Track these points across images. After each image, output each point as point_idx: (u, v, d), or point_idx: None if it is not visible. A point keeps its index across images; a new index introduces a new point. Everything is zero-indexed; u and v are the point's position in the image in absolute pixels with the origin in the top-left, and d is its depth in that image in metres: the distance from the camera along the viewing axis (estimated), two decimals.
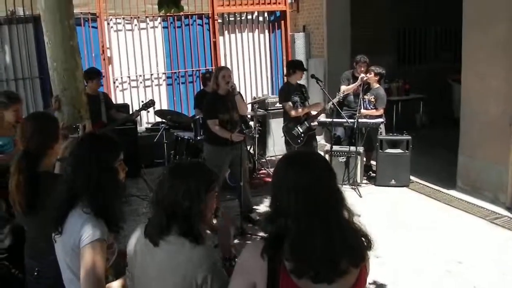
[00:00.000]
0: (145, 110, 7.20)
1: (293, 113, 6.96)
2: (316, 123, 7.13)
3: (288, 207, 1.83)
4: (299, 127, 6.98)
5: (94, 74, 6.85)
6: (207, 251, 2.17)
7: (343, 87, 7.96)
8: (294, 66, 7.08)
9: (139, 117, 8.79)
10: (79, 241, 2.31)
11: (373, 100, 7.75)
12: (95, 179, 2.36)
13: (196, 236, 2.16)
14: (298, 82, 7.10)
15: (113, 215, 2.43)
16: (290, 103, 6.98)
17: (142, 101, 7.34)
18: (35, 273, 2.80)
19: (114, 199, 2.43)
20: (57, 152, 2.92)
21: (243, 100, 6.59)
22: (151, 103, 7.10)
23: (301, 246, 1.79)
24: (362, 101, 7.68)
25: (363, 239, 1.93)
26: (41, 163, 2.80)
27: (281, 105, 7.39)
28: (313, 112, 7.14)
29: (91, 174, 2.36)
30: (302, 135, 6.95)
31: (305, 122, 6.99)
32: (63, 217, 2.40)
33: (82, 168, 2.38)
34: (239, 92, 6.54)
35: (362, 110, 7.65)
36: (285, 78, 10.74)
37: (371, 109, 7.76)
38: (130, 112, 8.14)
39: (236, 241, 5.24)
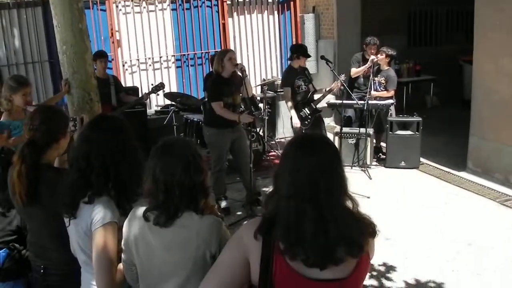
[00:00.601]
0: (155, 93, 7.20)
1: (289, 103, 7.01)
2: (325, 104, 7.09)
3: (285, 189, 1.83)
4: (306, 109, 6.97)
5: (97, 55, 6.79)
6: (214, 219, 2.20)
7: (354, 70, 7.92)
8: (299, 52, 7.00)
9: (148, 100, 8.79)
10: (91, 224, 2.34)
11: (383, 82, 7.70)
12: (108, 161, 2.39)
13: (201, 207, 2.20)
14: (301, 65, 7.02)
15: (126, 198, 2.45)
16: (289, 88, 6.96)
17: (152, 84, 7.33)
18: (41, 271, 2.80)
19: (127, 180, 2.44)
20: (62, 147, 2.90)
21: (250, 84, 6.58)
22: (161, 86, 7.09)
23: (290, 229, 1.78)
24: (372, 83, 7.63)
25: (366, 228, 1.88)
26: (45, 156, 2.78)
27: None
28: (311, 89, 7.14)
29: (104, 155, 2.39)
30: (310, 117, 6.94)
31: (312, 104, 6.98)
32: (76, 201, 2.42)
33: (94, 150, 2.39)
34: (247, 75, 6.52)
35: (373, 92, 7.61)
36: None
37: (382, 90, 7.71)
38: (140, 95, 8.14)
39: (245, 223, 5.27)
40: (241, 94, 6.19)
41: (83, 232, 2.40)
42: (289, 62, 7.38)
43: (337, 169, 1.88)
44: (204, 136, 6.38)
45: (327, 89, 7.07)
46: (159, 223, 2.16)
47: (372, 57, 7.59)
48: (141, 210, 2.25)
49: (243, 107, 6.83)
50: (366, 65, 7.66)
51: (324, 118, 7.57)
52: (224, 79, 5.97)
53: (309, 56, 7.14)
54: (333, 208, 1.80)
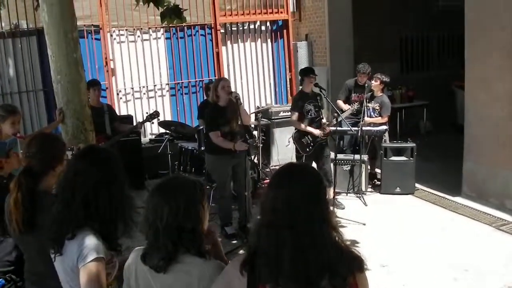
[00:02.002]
0: (150, 121, 7.21)
1: (296, 125, 6.99)
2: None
3: (266, 217, 1.84)
4: (308, 136, 6.92)
5: (90, 84, 6.77)
6: (218, 265, 2.13)
7: (341, 104, 7.98)
8: (302, 73, 7.01)
9: (143, 128, 8.79)
10: (77, 260, 2.27)
11: (377, 108, 7.73)
12: (99, 195, 2.33)
13: (203, 252, 2.13)
14: (314, 90, 6.91)
15: (114, 233, 2.40)
16: (296, 113, 6.96)
17: (147, 112, 7.35)
18: None
19: (118, 215, 2.39)
20: (59, 175, 2.90)
21: (246, 112, 6.60)
22: (155, 115, 7.10)
23: (270, 257, 1.78)
24: (366, 109, 7.66)
25: (352, 261, 1.84)
26: (42, 183, 2.77)
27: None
28: (324, 121, 7.06)
29: (95, 189, 2.33)
30: (312, 144, 6.89)
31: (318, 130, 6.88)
32: (62, 237, 2.34)
33: (79, 182, 2.34)
34: (242, 103, 6.56)
35: (366, 118, 7.62)
36: (288, 86, 10.87)
37: (376, 116, 7.74)
38: (134, 124, 8.15)
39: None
40: (239, 122, 6.21)
41: (70, 269, 2.33)
42: (288, 87, 7.40)
43: (317, 199, 1.85)
44: (206, 163, 6.45)
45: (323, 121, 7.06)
46: (158, 269, 2.10)
47: (372, 82, 7.65)
48: (140, 250, 2.21)
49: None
50: (351, 108, 7.61)
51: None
52: (220, 108, 6.03)
53: (310, 74, 6.85)
54: (314, 237, 1.78)
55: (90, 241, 2.28)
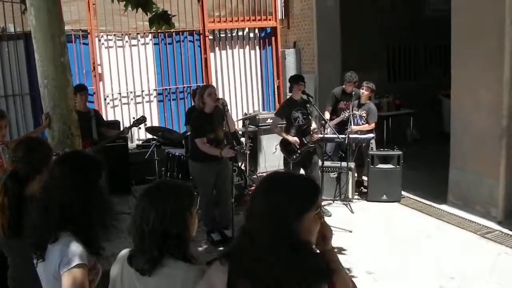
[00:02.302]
0: (137, 126, 7.17)
1: (275, 129, 7.02)
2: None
3: (244, 225, 1.92)
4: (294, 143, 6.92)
5: (77, 89, 6.74)
6: (201, 269, 2.10)
7: (328, 116, 8.03)
8: (292, 80, 7.02)
9: (130, 133, 8.76)
10: (59, 267, 2.25)
11: (364, 115, 7.77)
12: (75, 200, 2.31)
13: (189, 257, 2.12)
14: (303, 97, 6.89)
15: (94, 237, 2.38)
16: (279, 118, 6.99)
17: (134, 118, 7.32)
18: None
19: (95, 220, 2.38)
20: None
21: (232, 119, 6.60)
22: (142, 120, 7.08)
23: (243, 264, 1.83)
24: (353, 117, 7.69)
25: (310, 275, 1.83)
26: (28, 187, 2.74)
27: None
28: (313, 126, 7.06)
29: (71, 194, 2.32)
30: (298, 151, 6.90)
31: (303, 139, 6.87)
32: (44, 242, 2.33)
33: (61, 188, 2.33)
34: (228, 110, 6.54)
35: (353, 126, 7.63)
36: (276, 94, 10.88)
37: (363, 124, 7.78)
38: (121, 129, 8.11)
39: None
40: (224, 129, 6.21)
41: (52, 276, 2.31)
42: (276, 94, 7.41)
43: (285, 213, 1.83)
44: (190, 170, 6.43)
45: (312, 127, 7.05)
46: (143, 272, 2.09)
47: (362, 91, 7.72)
48: (127, 253, 2.20)
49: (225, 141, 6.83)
50: (339, 118, 7.73)
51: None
52: (206, 115, 6.03)
53: (298, 81, 6.89)
54: (273, 250, 1.79)
55: (73, 247, 2.27)
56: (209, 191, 6.21)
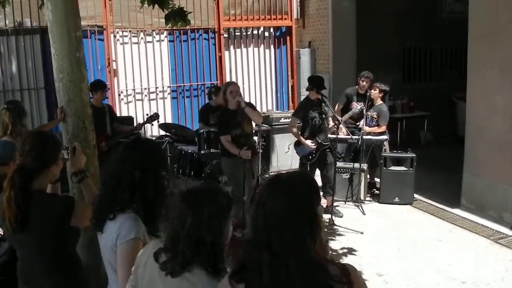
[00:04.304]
0: (150, 123, 7.20)
1: (293, 130, 7.02)
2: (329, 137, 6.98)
3: (250, 236, 1.84)
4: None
5: (99, 86, 6.88)
6: (222, 284, 2.04)
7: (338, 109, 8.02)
8: (312, 83, 6.93)
9: (143, 130, 8.79)
10: (117, 239, 2.41)
11: (375, 116, 7.72)
12: (137, 180, 2.47)
13: (219, 269, 2.08)
14: (319, 97, 6.86)
15: (152, 216, 2.50)
16: (296, 119, 6.99)
17: (147, 114, 7.34)
18: None
19: (154, 200, 2.50)
20: (54, 174, 2.88)
21: (255, 110, 6.49)
22: (155, 116, 7.10)
23: (253, 276, 1.78)
24: (365, 117, 7.65)
25: (335, 275, 1.78)
26: (35, 182, 2.74)
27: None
28: (331, 123, 7.00)
29: (134, 175, 2.47)
30: (314, 151, 6.88)
31: (317, 138, 6.84)
32: (102, 215, 2.50)
33: (126, 169, 2.49)
34: (248, 103, 6.47)
35: (364, 127, 7.58)
36: (290, 93, 10.85)
37: (374, 125, 7.73)
38: (134, 125, 8.13)
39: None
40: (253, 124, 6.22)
41: (109, 247, 2.47)
42: (290, 93, 7.37)
43: (294, 216, 1.79)
44: (223, 167, 6.45)
45: (329, 125, 7.02)
46: (167, 271, 2.09)
47: (372, 91, 7.65)
48: (157, 245, 2.21)
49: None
50: (350, 113, 7.70)
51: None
52: (231, 112, 6.07)
53: (320, 89, 6.86)
54: (287, 256, 1.74)
55: (131, 222, 2.43)
56: (241, 187, 6.13)
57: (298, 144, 7.04)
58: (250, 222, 1.85)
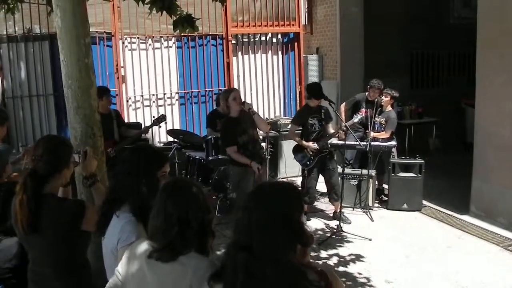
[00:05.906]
0: (157, 125, 7.19)
1: (295, 138, 7.02)
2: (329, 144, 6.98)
3: (233, 239, 1.94)
4: (308, 149, 6.88)
5: (104, 92, 6.82)
6: (211, 262, 2.19)
7: (341, 110, 8.04)
8: (311, 93, 6.93)
9: (151, 136, 8.80)
10: (117, 243, 2.46)
11: (383, 122, 7.71)
12: (139, 186, 2.52)
13: (207, 249, 2.22)
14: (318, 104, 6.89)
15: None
16: (296, 126, 6.98)
17: (154, 117, 7.34)
18: None
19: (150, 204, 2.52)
20: (65, 178, 2.91)
21: (262, 118, 6.47)
22: (162, 118, 7.10)
23: (227, 279, 1.86)
24: (374, 123, 7.64)
25: (313, 280, 1.83)
26: (47, 185, 2.78)
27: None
28: (331, 130, 7.01)
29: (137, 180, 2.53)
30: (312, 157, 6.86)
31: (316, 144, 6.86)
32: (106, 220, 2.55)
33: (129, 175, 2.56)
34: (256, 112, 6.45)
35: (371, 132, 7.56)
36: (297, 99, 10.84)
37: (381, 131, 7.71)
38: None
39: None
40: (258, 129, 6.16)
41: (110, 250, 2.51)
42: (298, 100, 7.37)
43: (274, 223, 1.87)
44: (231, 176, 6.35)
45: (330, 132, 7.00)
46: (162, 259, 2.16)
47: (382, 98, 7.64)
48: (141, 247, 2.26)
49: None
50: (351, 121, 7.52)
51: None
52: (234, 119, 5.96)
53: (320, 98, 6.85)
54: (266, 259, 1.81)
55: (133, 226, 2.48)
56: (244, 197, 6.03)
57: (295, 152, 7.04)
58: (234, 224, 1.95)
